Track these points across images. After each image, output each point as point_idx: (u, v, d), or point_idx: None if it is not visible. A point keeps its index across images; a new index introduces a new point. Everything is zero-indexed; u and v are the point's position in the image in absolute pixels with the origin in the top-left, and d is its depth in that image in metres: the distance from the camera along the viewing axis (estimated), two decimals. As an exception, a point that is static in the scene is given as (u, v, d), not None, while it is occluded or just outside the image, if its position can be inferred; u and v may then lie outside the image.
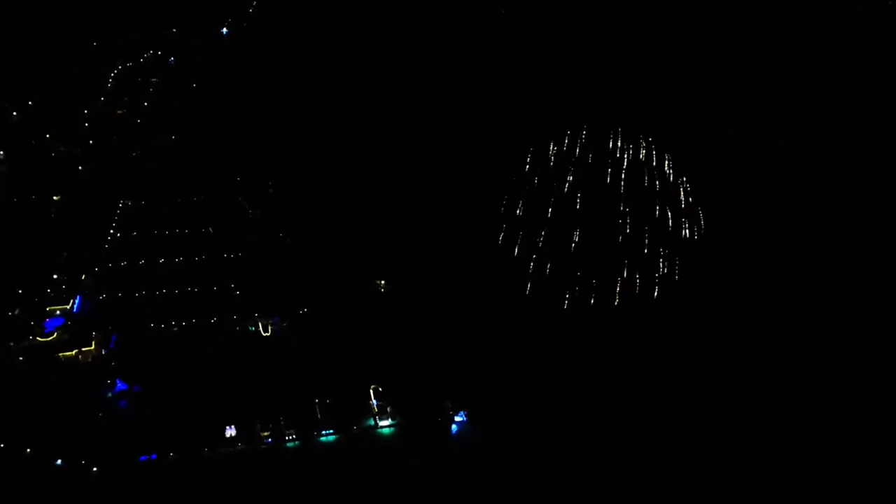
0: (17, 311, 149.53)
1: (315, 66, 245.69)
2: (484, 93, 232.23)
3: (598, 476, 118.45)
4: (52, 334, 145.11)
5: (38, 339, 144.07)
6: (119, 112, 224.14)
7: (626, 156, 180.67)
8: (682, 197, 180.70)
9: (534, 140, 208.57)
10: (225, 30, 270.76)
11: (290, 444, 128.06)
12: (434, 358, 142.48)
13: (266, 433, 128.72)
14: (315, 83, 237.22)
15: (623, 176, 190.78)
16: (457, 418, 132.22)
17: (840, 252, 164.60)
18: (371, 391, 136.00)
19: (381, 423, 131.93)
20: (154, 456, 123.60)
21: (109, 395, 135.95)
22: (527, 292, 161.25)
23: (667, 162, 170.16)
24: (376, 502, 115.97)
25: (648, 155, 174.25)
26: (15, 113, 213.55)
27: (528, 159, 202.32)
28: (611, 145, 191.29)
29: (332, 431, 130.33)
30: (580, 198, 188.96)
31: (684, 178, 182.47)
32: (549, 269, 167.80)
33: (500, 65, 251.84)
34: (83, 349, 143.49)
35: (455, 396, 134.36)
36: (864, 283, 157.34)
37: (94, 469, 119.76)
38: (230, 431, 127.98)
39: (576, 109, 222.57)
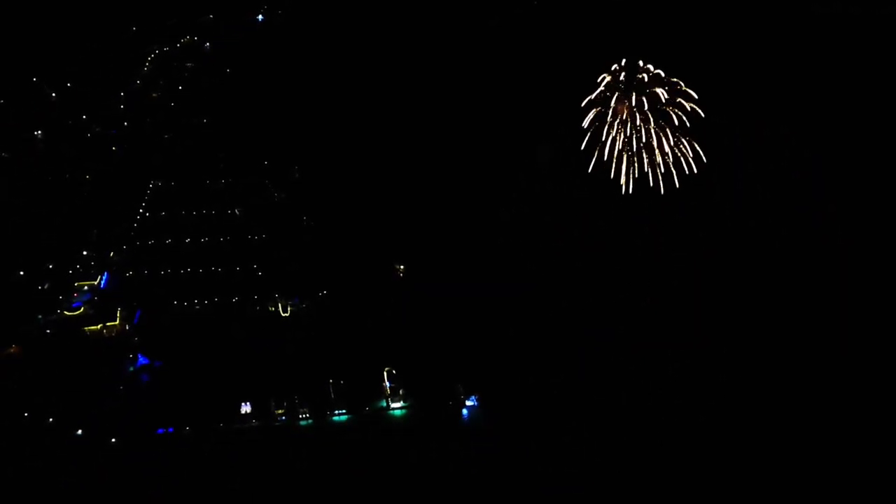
0: (46, 286, 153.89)
1: (345, 54, 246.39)
2: (510, 82, 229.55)
3: (604, 466, 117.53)
4: (80, 309, 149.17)
5: (65, 312, 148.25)
6: (154, 95, 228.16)
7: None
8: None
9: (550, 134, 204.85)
10: (260, 16, 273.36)
11: (303, 423, 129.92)
12: (447, 343, 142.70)
13: (280, 411, 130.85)
14: (345, 72, 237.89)
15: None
16: (468, 402, 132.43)
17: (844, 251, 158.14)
18: (384, 373, 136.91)
19: (393, 405, 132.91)
20: (171, 429, 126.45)
21: (131, 369, 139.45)
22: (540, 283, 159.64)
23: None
24: (386, 483, 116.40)
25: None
26: (54, 94, 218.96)
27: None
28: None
29: (344, 411, 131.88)
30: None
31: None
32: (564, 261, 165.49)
33: (528, 56, 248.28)
34: (108, 324, 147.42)
35: (467, 381, 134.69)
36: (864, 282, 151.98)
37: (113, 440, 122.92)
38: (245, 408, 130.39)
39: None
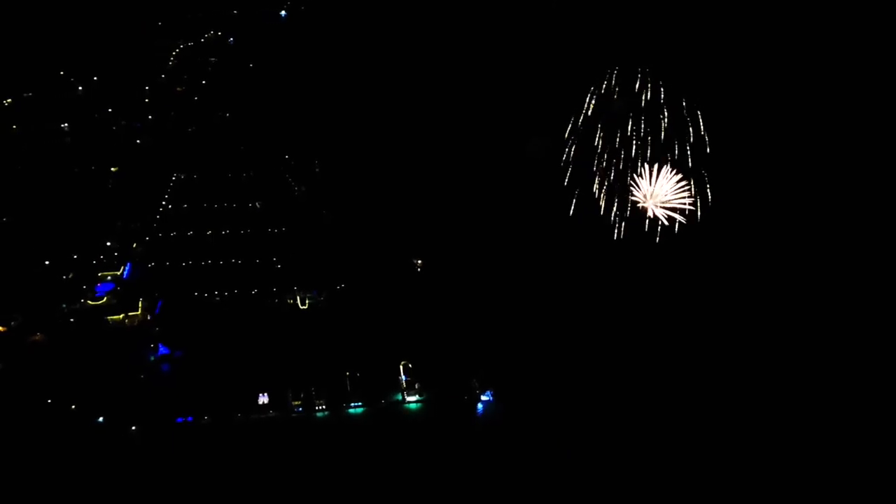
0: (71, 275, 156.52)
1: (366, 50, 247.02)
2: (532, 73, 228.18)
3: (616, 464, 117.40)
4: (102, 298, 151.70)
5: (89, 302, 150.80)
6: (178, 89, 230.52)
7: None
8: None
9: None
10: (283, 12, 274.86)
11: (319, 414, 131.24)
12: (463, 338, 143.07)
13: (297, 402, 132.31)
14: (365, 67, 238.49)
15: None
16: (483, 397, 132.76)
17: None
18: (400, 367, 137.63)
19: (409, 399, 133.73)
20: (190, 418, 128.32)
21: (152, 358, 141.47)
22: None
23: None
24: (400, 475, 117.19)
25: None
26: (81, 87, 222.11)
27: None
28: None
29: (360, 404, 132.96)
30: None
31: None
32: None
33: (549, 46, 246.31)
34: (130, 314, 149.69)
35: (482, 376, 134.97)
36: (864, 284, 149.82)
37: (133, 427, 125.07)
38: (263, 399, 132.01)
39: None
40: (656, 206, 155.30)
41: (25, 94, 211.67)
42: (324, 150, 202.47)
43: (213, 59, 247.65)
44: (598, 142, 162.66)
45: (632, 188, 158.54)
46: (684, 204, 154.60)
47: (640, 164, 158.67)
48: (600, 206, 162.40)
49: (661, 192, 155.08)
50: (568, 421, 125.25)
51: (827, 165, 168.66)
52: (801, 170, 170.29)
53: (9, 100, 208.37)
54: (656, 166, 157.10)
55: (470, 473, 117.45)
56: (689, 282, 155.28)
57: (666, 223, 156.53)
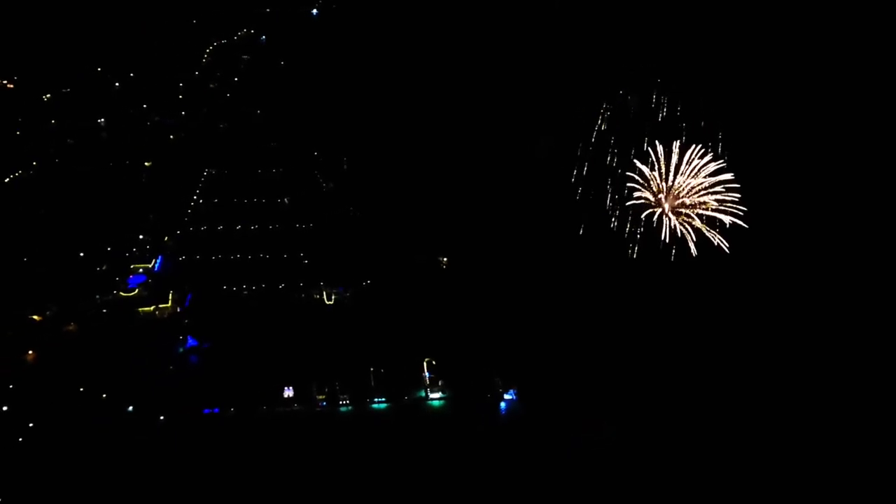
0: (104, 267, 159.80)
1: (397, 49, 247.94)
2: (559, 72, 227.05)
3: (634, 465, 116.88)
4: (134, 290, 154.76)
5: (121, 293, 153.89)
6: (211, 86, 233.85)
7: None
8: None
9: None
10: (315, 10, 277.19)
11: (343, 409, 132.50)
12: (488, 336, 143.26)
13: (321, 396, 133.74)
14: (396, 67, 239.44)
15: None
16: (506, 396, 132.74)
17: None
18: (424, 364, 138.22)
19: (432, 396, 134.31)
20: (217, 409, 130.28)
21: (181, 350, 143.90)
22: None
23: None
24: (422, 471, 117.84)
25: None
26: (117, 84, 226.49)
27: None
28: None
29: (384, 399, 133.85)
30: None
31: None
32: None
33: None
34: (160, 306, 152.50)
35: (506, 375, 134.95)
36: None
37: (161, 417, 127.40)
38: (288, 392, 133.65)
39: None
40: (675, 209, 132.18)
41: (64, 90, 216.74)
42: (352, 147, 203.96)
43: (245, 56, 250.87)
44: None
45: (638, 185, 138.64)
46: (720, 209, 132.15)
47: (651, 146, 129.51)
48: (612, 219, 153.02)
49: (684, 189, 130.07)
50: (588, 423, 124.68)
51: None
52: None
53: (48, 95, 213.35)
54: (676, 146, 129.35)
55: (491, 472, 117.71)
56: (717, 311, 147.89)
57: (691, 237, 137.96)
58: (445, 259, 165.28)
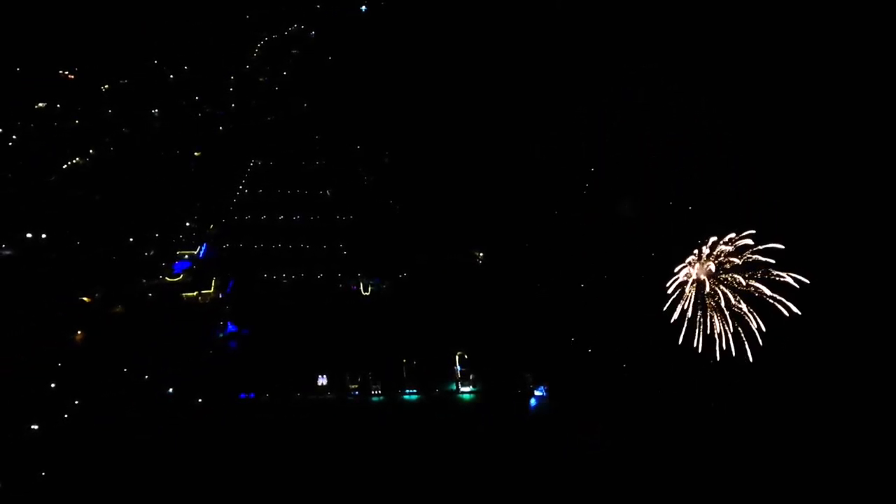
0: (151, 252, 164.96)
1: (443, 48, 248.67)
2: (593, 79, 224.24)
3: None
4: (179, 276, 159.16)
5: (166, 278, 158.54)
6: (260, 80, 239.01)
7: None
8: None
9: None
10: (363, 7, 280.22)
11: (374, 399, 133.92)
12: (520, 332, 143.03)
13: (354, 386, 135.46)
14: (441, 65, 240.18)
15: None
16: (536, 392, 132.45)
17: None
18: (456, 357, 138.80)
19: (463, 389, 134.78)
20: (252, 395, 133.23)
21: (221, 335, 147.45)
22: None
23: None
24: (451, 462, 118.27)
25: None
26: (172, 76, 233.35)
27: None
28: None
29: (415, 391, 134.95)
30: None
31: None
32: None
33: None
34: (203, 291, 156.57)
35: (537, 371, 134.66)
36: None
37: (199, 400, 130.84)
38: (322, 380, 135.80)
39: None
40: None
41: (121, 82, 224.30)
42: (394, 142, 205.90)
43: (294, 51, 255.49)
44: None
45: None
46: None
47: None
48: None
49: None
50: (616, 423, 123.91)
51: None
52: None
53: (106, 86, 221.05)
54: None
55: (519, 465, 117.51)
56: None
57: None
58: (481, 254, 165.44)
